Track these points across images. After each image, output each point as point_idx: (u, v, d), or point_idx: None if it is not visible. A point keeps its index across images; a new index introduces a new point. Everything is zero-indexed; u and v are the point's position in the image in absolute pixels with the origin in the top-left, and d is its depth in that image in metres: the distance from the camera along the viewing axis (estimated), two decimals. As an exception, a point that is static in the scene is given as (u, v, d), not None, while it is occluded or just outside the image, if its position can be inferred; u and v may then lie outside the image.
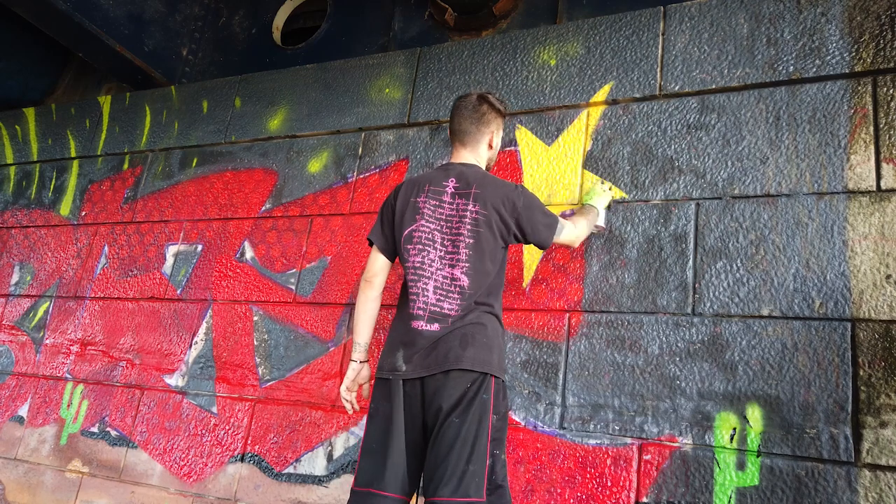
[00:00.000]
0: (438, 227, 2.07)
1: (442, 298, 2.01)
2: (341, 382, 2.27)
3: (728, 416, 2.10)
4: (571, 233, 2.20)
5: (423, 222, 2.08)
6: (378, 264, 2.16)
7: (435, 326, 1.98)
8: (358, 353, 2.17)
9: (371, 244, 2.19)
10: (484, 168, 2.24)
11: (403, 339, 2.01)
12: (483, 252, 2.03)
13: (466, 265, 2.01)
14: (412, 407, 1.95)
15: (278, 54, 3.88)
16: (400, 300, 2.14)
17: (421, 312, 2.00)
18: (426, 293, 2.02)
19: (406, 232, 2.08)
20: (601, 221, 2.40)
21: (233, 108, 3.61)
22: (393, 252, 2.15)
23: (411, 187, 2.15)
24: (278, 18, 4.01)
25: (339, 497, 2.59)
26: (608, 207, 2.46)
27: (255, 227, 3.27)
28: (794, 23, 2.40)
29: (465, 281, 2.01)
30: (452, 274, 2.02)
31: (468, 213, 2.05)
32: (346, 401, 2.19)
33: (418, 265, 2.05)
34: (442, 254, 2.04)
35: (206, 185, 3.51)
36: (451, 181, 2.11)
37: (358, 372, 2.18)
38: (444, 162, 2.70)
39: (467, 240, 2.03)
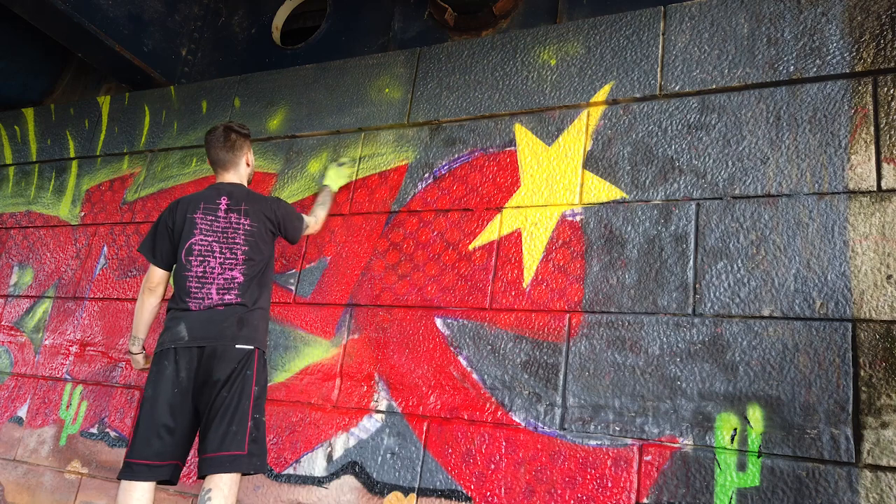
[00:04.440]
0: (216, 239, 2.48)
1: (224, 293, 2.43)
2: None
3: (729, 416, 2.09)
4: (312, 225, 2.83)
5: (200, 236, 2.48)
6: (158, 275, 2.56)
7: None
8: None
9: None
10: (246, 184, 2.71)
11: None
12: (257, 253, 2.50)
13: (243, 267, 2.46)
14: None
15: (278, 54, 3.87)
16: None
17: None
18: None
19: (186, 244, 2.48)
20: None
21: (232, 108, 3.60)
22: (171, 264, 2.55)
23: (186, 205, 2.55)
24: (278, 18, 4.01)
25: (338, 498, 2.59)
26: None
27: (255, 227, 3.26)
28: (795, 23, 2.40)
29: (241, 279, 2.45)
30: (232, 275, 2.45)
31: (241, 225, 2.51)
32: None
33: (200, 274, 2.44)
34: (221, 260, 2.46)
35: (205, 186, 3.49)
36: (224, 199, 2.54)
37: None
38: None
39: (243, 247, 2.48)
